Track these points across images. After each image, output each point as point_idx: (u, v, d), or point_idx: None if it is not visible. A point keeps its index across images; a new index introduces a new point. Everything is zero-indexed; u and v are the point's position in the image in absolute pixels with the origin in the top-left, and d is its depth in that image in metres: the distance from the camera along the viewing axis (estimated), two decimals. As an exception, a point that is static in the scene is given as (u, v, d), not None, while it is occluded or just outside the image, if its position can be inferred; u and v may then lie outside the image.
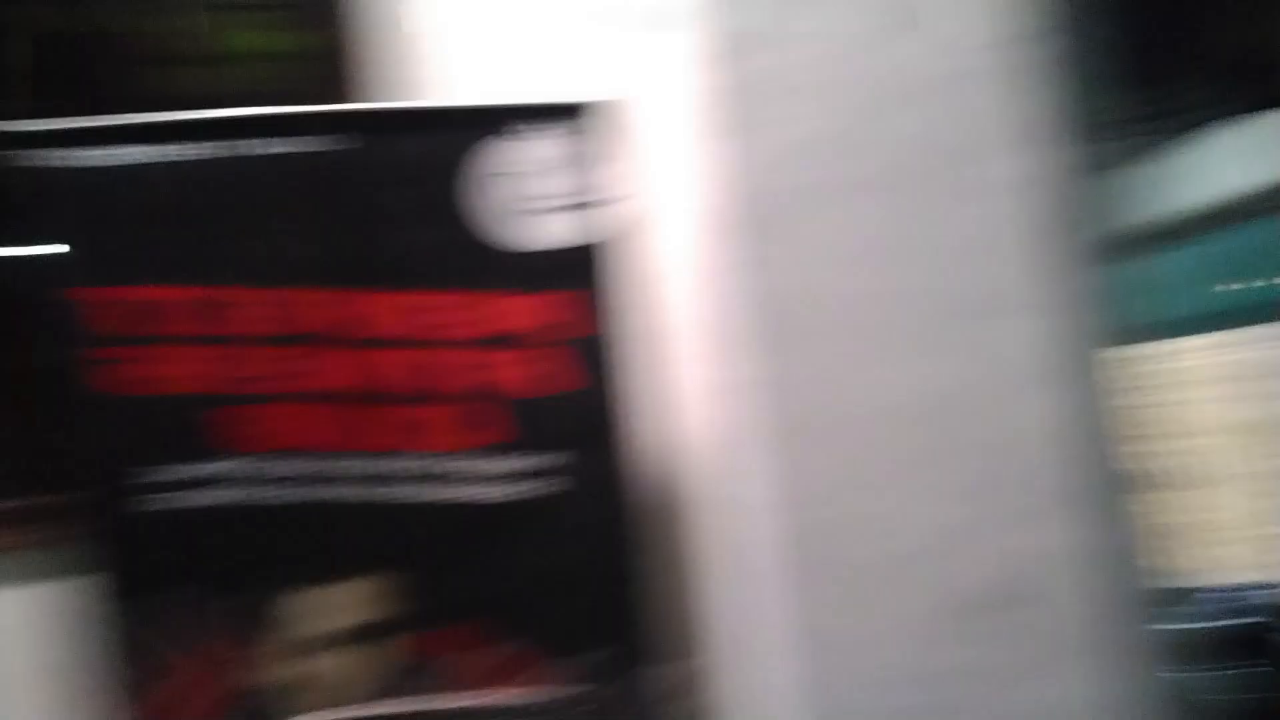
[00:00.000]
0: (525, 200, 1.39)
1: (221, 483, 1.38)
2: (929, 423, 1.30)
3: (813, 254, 1.31)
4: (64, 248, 1.35)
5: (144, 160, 1.36)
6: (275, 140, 1.37)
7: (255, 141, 1.37)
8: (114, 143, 1.35)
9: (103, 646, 1.34)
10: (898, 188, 1.31)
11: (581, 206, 1.39)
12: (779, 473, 1.29)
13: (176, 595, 1.37)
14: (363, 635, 1.39)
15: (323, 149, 1.38)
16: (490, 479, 1.39)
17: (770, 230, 1.31)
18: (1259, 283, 2.62)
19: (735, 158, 1.31)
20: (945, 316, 1.30)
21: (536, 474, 1.39)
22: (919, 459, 1.29)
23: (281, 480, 1.39)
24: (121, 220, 1.36)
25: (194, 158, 1.37)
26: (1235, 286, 2.66)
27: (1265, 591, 2.39)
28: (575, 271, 1.39)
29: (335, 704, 1.38)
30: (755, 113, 1.32)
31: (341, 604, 1.40)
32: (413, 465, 1.39)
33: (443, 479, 1.39)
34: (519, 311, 1.39)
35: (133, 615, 1.35)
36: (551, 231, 1.39)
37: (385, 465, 1.39)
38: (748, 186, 1.31)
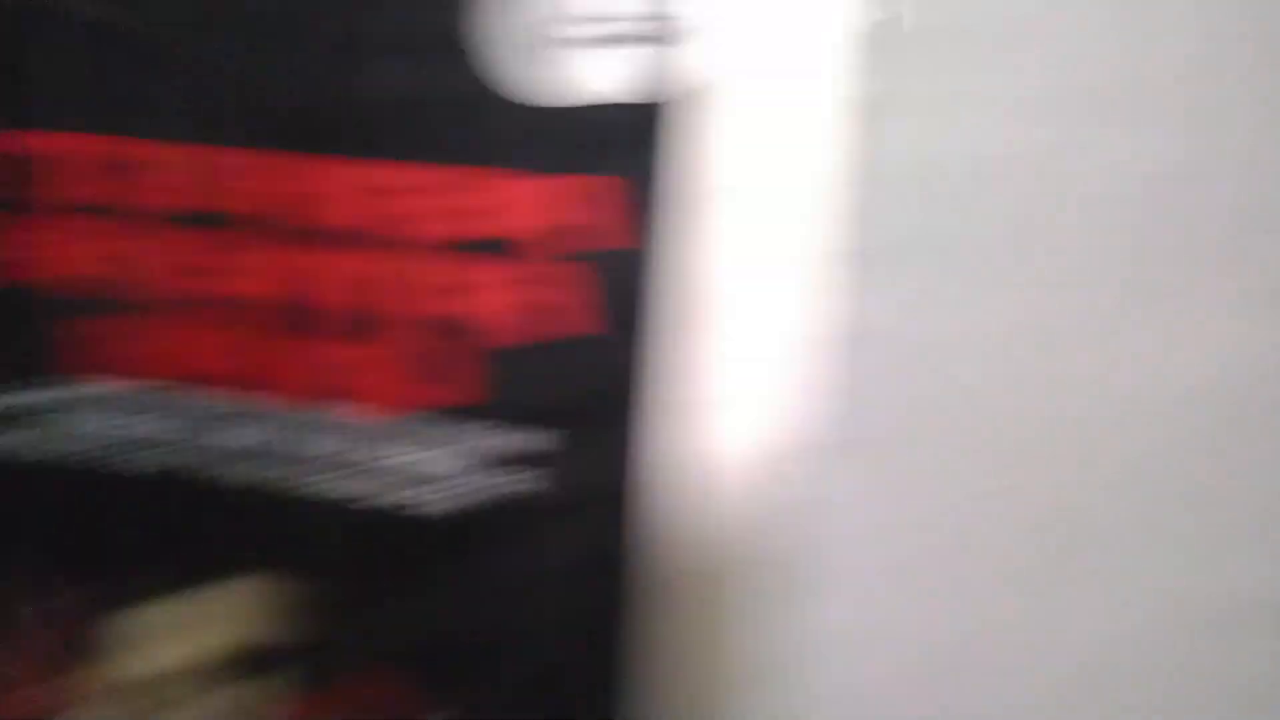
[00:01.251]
0: (557, 27, 0.81)
1: (67, 416, 1.06)
2: (1177, 425, 0.44)
3: (958, 110, 0.58)
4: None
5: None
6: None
7: None
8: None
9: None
10: None
11: (641, 39, 0.77)
12: (878, 488, 0.60)
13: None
14: (230, 668, 0.94)
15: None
16: (447, 461, 0.83)
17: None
18: None
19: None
20: (1204, 245, 0.48)
21: (514, 461, 0.79)
22: (1164, 487, 0.47)
23: (157, 419, 1.01)
24: None
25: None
26: None
27: None
28: (618, 146, 0.77)
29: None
30: None
31: (205, 621, 0.96)
32: (339, 423, 0.89)
33: (377, 449, 0.87)
34: (525, 202, 0.80)
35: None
36: (592, 78, 0.78)
37: (299, 420, 0.92)
38: None
